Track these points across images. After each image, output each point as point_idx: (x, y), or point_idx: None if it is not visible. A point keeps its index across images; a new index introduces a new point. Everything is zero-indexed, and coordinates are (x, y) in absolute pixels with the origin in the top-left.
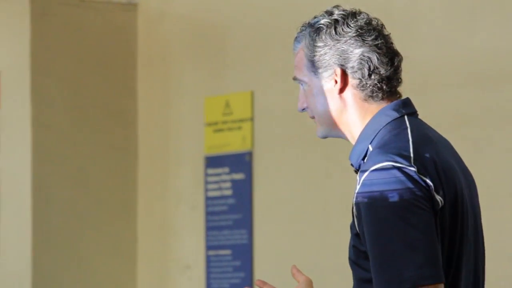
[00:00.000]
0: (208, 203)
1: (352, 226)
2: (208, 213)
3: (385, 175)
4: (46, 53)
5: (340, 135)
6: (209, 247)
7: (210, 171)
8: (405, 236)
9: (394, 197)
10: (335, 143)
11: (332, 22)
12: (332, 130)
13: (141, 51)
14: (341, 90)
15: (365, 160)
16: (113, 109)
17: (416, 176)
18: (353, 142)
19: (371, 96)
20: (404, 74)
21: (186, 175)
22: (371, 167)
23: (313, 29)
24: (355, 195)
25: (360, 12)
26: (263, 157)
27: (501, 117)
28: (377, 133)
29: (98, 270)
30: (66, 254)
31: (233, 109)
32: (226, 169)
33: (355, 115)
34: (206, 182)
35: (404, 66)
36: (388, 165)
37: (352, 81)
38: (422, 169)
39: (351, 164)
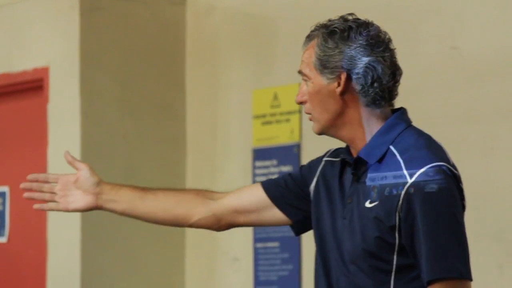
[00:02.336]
0: None
1: (385, 219)
2: None
3: (441, 174)
4: (95, 47)
5: (334, 135)
6: (257, 240)
7: (258, 163)
8: (455, 232)
9: (448, 196)
10: None
11: (346, 28)
12: (329, 128)
13: (189, 44)
14: (342, 92)
15: (402, 159)
16: (162, 102)
17: (460, 180)
18: (351, 142)
19: (373, 103)
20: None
21: (234, 167)
22: (426, 165)
23: (327, 31)
24: (407, 188)
25: (372, 24)
26: (311, 149)
27: None
28: (397, 137)
29: (146, 262)
30: (115, 247)
31: (281, 101)
32: (274, 162)
33: (356, 117)
34: (254, 175)
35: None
36: (443, 165)
37: (354, 86)
38: (459, 175)
39: (357, 159)
